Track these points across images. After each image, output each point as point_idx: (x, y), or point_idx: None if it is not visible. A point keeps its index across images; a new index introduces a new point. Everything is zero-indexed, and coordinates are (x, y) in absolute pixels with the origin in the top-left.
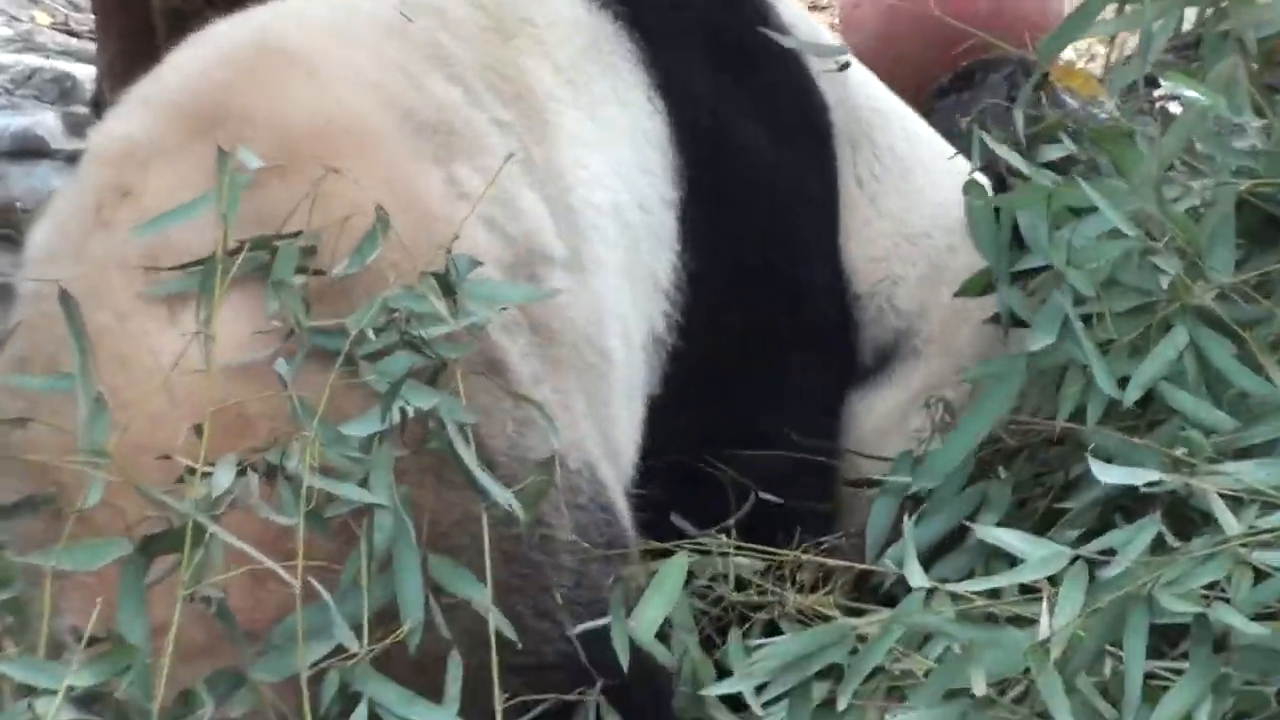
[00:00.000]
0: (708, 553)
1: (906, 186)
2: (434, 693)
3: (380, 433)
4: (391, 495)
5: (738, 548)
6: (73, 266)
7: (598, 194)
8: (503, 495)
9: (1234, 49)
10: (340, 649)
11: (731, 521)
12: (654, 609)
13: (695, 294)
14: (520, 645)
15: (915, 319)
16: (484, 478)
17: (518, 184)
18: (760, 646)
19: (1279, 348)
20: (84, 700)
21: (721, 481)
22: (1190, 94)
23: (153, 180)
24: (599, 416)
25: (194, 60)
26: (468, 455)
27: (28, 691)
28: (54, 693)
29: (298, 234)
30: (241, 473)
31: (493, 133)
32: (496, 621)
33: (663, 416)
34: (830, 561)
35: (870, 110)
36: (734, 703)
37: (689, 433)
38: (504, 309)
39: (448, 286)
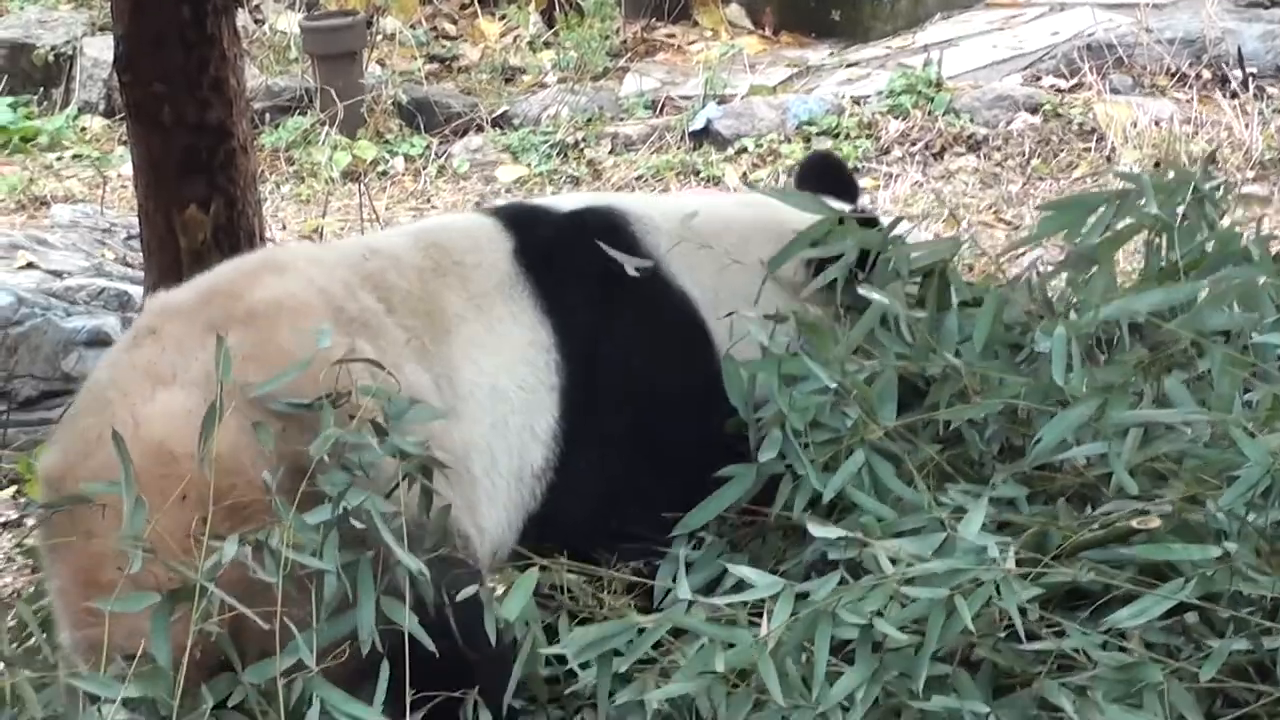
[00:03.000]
0: (547, 569)
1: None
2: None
3: (329, 521)
4: (335, 563)
5: (569, 569)
6: (112, 369)
7: (478, 377)
8: (409, 559)
9: (894, 275)
10: (302, 664)
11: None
12: (516, 600)
13: (571, 442)
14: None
15: None
16: (396, 548)
17: (407, 360)
18: (578, 630)
19: (924, 468)
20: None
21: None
22: (876, 297)
23: (168, 325)
24: (466, 508)
25: (224, 267)
26: (385, 533)
27: (95, 699)
28: (113, 701)
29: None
30: (242, 545)
31: (396, 331)
32: (416, 634)
33: (560, 505)
34: (631, 578)
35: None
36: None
37: (580, 513)
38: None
39: (381, 429)
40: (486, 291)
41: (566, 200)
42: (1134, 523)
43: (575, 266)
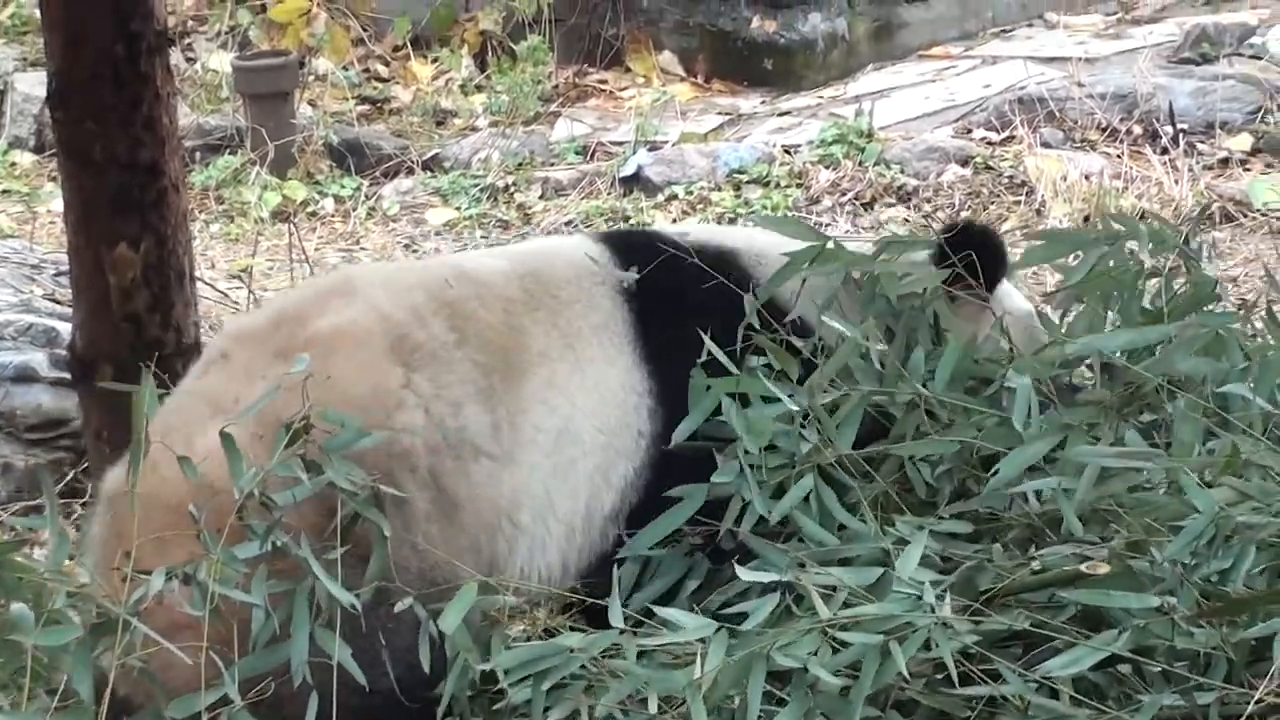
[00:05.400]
0: (497, 591)
1: None
2: None
3: (259, 556)
4: (264, 596)
5: (506, 587)
6: (184, 395)
7: (547, 420)
8: (340, 593)
9: (882, 302)
10: (227, 699)
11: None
12: (453, 614)
13: (649, 487)
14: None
15: None
16: (327, 580)
17: (469, 398)
18: (512, 649)
19: (874, 499)
20: None
21: None
22: (840, 328)
23: (238, 351)
24: (488, 558)
25: (300, 287)
26: (316, 567)
27: None
28: None
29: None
30: (170, 579)
31: (464, 365)
32: (347, 664)
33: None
34: (572, 595)
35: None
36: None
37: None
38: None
39: (311, 465)
40: (580, 330)
41: (678, 231)
42: (1083, 567)
43: (685, 307)
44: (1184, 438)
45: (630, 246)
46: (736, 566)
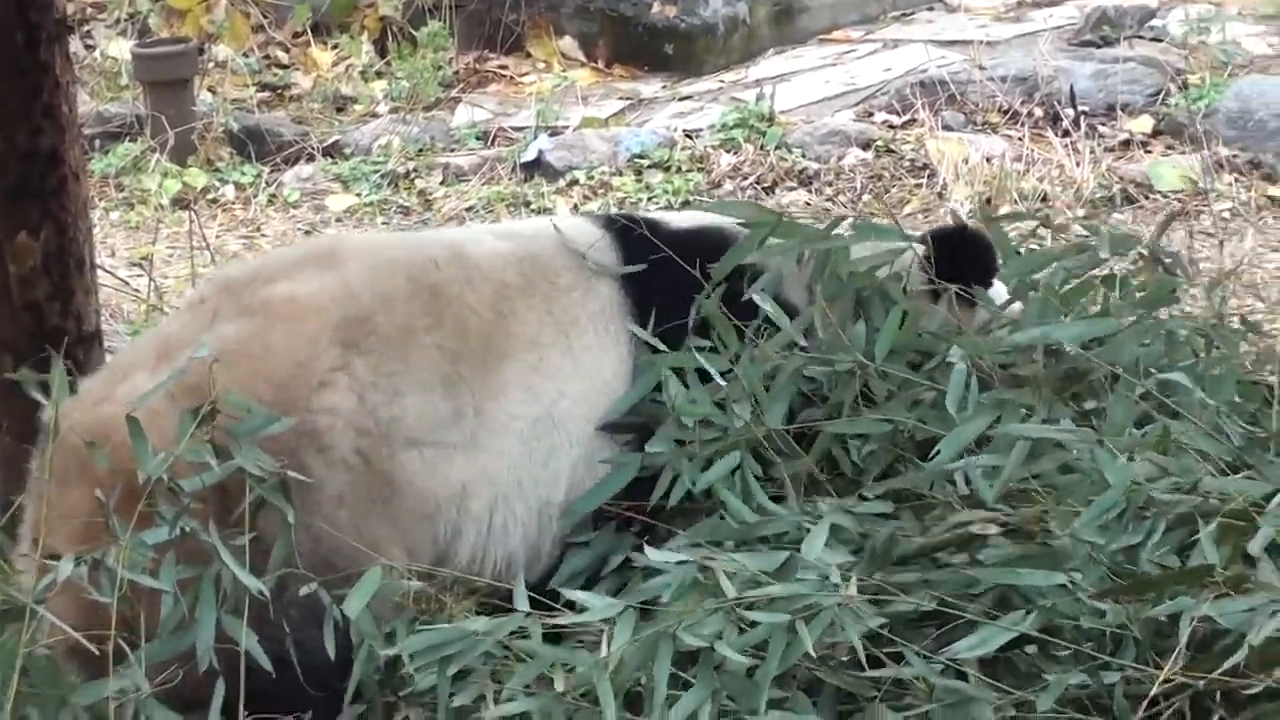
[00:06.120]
0: (405, 577)
1: None
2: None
3: (167, 541)
4: (173, 582)
5: (412, 572)
6: (152, 333)
7: (524, 407)
8: (246, 577)
9: (833, 279)
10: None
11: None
12: (356, 600)
13: None
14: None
15: None
16: (234, 565)
17: (418, 387)
18: (417, 634)
19: (800, 480)
20: None
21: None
22: (768, 308)
23: (213, 299)
24: (423, 545)
25: (292, 247)
26: (224, 553)
27: None
28: None
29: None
30: (78, 565)
31: (429, 353)
32: (253, 650)
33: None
34: (480, 580)
35: None
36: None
37: None
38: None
39: (219, 451)
40: (576, 318)
41: (678, 219)
42: (973, 529)
43: (682, 294)
44: (1116, 418)
45: (628, 232)
46: (646, 547)
